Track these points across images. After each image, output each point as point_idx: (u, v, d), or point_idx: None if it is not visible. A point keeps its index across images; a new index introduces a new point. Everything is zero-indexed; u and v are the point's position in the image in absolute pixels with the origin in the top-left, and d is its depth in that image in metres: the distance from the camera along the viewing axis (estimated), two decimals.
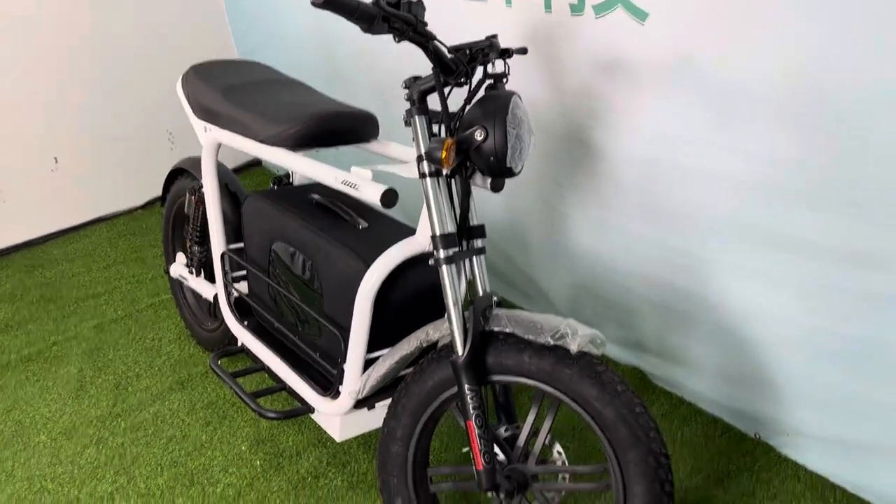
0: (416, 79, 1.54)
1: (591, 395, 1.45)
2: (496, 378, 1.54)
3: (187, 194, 2.27)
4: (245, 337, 2.09)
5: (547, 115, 2.16)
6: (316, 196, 2.00)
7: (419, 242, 1.61)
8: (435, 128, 1.55)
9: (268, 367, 2.03)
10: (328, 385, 1.85)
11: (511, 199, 2.45)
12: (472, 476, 1.58)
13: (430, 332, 1.58)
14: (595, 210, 2.14)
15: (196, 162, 2.35)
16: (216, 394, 2.35)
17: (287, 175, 2.22)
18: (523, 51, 1.62)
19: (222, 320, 2.38)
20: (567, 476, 1.58)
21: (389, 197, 1.56)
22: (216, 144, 2.06)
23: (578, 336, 1.44)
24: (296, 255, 1.87)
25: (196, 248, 2.30)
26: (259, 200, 2.01)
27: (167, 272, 2.56)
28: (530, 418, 1.56)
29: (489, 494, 1.58)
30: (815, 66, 1.51)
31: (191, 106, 2.12)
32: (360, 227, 1.83)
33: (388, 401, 1.82)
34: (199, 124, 2.10)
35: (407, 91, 1.53)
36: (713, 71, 1.68)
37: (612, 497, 1.87)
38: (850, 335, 1.64)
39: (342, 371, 1.72)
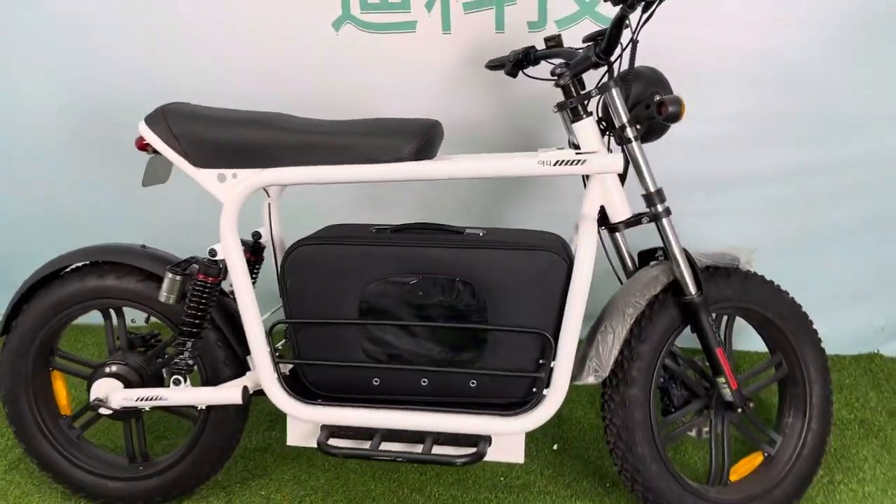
0: (566, 64, 1.64)
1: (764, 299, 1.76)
2: (712, 308, 1.72)
3: (169, 275, 1.69)
4: (336, 414, 1.70)
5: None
6: (380, 225, 1.80)
7: (617, 212, 1.67)
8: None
9: (389, 433, 1.70)
10: (508, 405, 1.69)
11: None
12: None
13: (660, 276, 1.67)
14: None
15: (125, 250, 1.79)
16: None
17: (258, 234, 1.88)
18: None
19: (182, 456, 1.85)
20: None
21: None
22: (251, 192, 1.65)
23: (744, 256, 1.76)
24: (425, 282, 1.66)
25: (189, 343, 1.73)
26: (322, 248, 1.70)
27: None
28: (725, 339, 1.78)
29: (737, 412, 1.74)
30: None
31: (188, 153, 1.65)
32: (481, 234, 1.75)
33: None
34: (208, 175, 1.66)
35: (564, 74, 1.63)
36: None
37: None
38: None
39: (549, 371, 1.64)
